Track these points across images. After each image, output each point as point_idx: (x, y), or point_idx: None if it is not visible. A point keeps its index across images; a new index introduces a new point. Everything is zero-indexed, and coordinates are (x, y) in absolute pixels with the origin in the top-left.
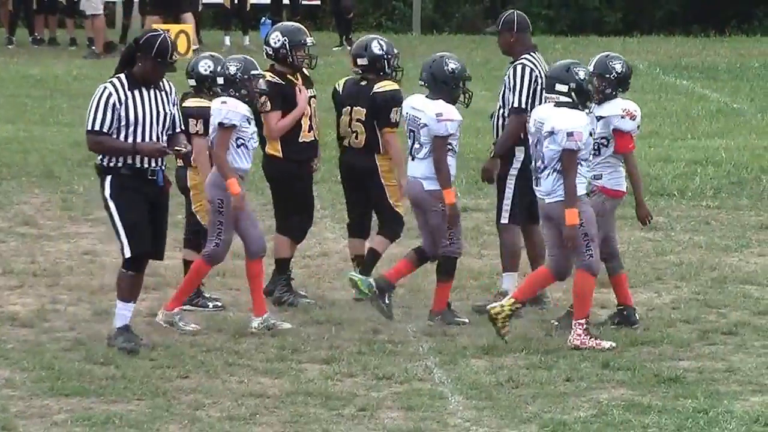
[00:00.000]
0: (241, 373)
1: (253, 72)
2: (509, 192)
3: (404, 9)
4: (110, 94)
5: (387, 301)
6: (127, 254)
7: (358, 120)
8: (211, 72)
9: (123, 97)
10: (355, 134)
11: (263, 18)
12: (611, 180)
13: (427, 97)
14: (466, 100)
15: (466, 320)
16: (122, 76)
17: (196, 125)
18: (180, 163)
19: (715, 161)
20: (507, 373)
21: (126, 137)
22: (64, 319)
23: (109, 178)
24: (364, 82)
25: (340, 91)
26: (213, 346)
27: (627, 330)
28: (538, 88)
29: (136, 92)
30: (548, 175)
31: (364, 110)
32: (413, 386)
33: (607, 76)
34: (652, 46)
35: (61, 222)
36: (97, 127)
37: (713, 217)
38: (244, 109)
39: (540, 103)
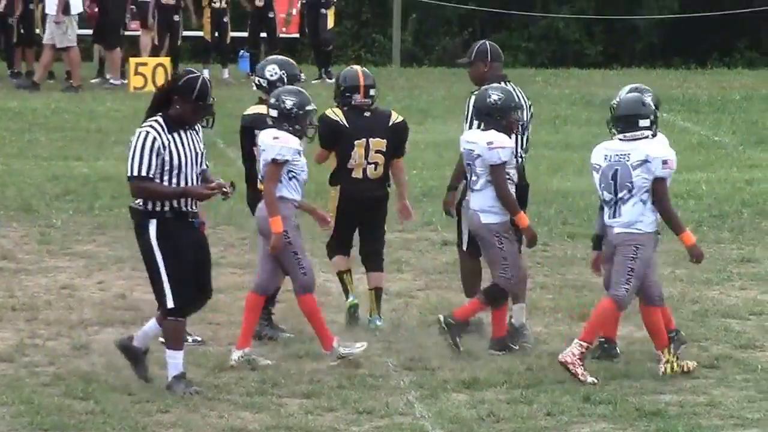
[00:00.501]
0: (221, 407)
1: (307, 107)
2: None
3: (384, 41)
4: (154, 139)
5: (457, 338)
6: (170, 305)
7: (377, 151)
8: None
9: (166, 141)
10: (374, 165)
11: (241, 51)
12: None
13: (480, 129)
14: (516, 129)
15: (518, 347)
16: (160, 119)
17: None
18: None
19: (696, 194)
20: (488, 408)
21: (170, 181)
22: (43, 354)
23: (153, 222)
24: (368, 113)
25: (345, 123)
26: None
27: (608, 363)
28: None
29: (176, 135)
30: (633, 204)
31: (385, 141)
32: (394, 420)
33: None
34: (633, 78)
35: (40, 256)
36: (143, 173)
37: None
38: (296, 143)
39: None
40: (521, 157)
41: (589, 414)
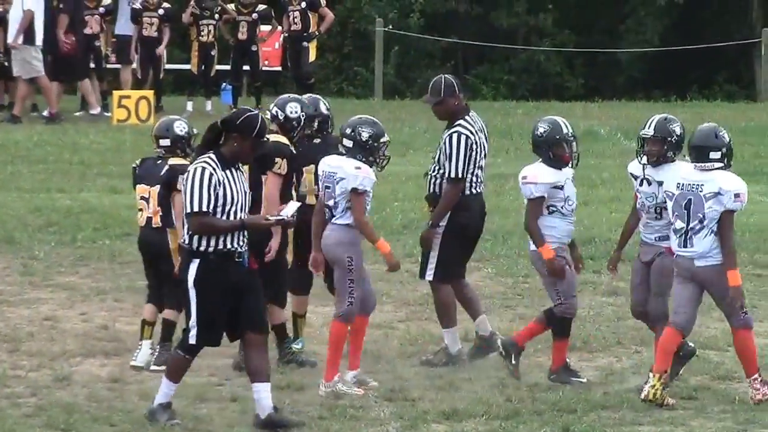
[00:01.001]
0: None
1: (382, 139)
2: (435, 251)
3: (366, 74)
4: (211, 174)
5: (514, 362)
6: (191, 341)
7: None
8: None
9: (221, 177)
10: (314, 191)
11: (224, 83)
12: None
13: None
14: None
15: (584, 379)
16: (213, 155)
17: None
18: (155, 225)
19: None
20: None
21: (226, 217)
22: (25, 385)
23: (196, 262)
24: (317, 140)
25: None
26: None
27: (586, 394)
28: (473, 154)
29: (228, 171)
30: (705, 236)
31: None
32: None
33: (669, 139)
34: (614, 111)
35: (22, 287)
36: (204, 208)
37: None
38: (374, 175)
39: (475, 168)
40: (475, 187)
41: None
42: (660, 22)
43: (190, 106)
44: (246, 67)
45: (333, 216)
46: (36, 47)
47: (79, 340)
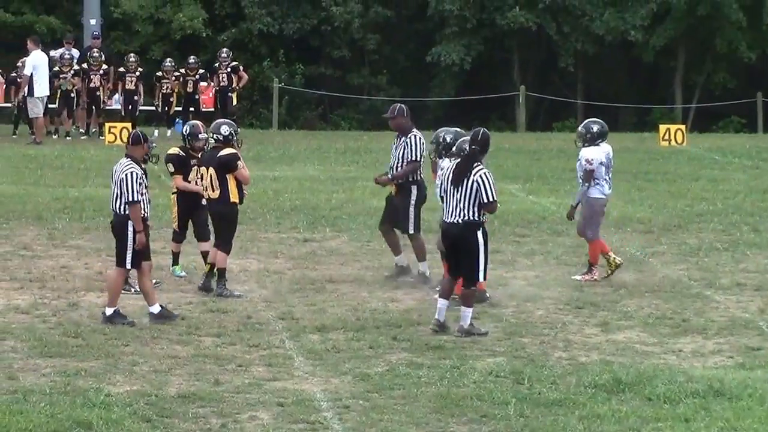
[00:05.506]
0: (162, 343)
1: (459, 141)
2: (412, 214)
3: (267, 114)
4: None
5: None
6: (481, 278)
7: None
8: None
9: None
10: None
11: (177, 119)
12: None
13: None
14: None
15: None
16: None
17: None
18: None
19: None
20: (332, 343)
21: None
22: (48, 309)
23: (480, 228)
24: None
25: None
26: (144, 326)
27: (409, 314)
28: (423, 148)
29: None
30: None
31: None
32: (272, 351)
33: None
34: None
35: (47, 247)
36: (496, 197)
37: None
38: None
39: (422, 159)
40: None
41: (394, 348)
42: (455, 80)
43: (156, 133)
44: (191, 108)
45: None
46: (36, 98)
47: (84, 281)
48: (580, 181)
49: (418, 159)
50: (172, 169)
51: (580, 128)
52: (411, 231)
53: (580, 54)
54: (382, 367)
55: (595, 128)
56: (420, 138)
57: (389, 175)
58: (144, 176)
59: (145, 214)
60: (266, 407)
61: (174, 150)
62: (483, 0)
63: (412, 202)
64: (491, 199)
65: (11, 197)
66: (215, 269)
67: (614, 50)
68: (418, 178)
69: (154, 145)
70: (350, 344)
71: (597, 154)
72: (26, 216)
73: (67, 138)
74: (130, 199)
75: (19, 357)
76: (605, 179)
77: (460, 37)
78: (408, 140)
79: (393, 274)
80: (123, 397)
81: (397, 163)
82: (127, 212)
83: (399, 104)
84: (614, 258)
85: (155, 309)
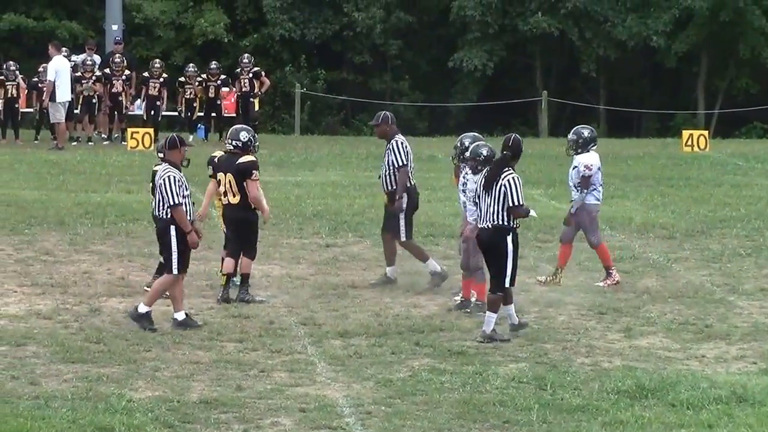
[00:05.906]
0: (184, 348)
1: (478, 143)
2: (402, 222)
3: (289, 119)
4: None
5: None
6: (507, 284)
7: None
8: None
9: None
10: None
11: (199, 124)
12: None
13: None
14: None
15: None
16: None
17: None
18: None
19: None
20: (355, 349)
21: None
22: (71, 314)
23: (511, 234)
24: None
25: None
26: (166, 332)
27: (431, 320)
28: (409, 152)
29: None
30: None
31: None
32: (294, 357)
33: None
34: (448, 143)
35: (69, 253)
36: (521, 201)
37: None
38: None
39: (411, 163)
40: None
41: (417, 353)
42: (477, 86)
43: (191, 138)
44: (213, 114)
45: None
46: (57, 103)
47: (106, 286)
48: (575, 188)
49: (405, 163)
50: (210, 171)
51: (570, 135)
52: (403, 238)
53: (603, 60)
54: (404, 373)
55: (586, 133)
56: (402, 142)
57: (383, 186)
58: (184, 179)
59: (190, 217)
60: (288, 413)
61: (217, 153)
62: (505, 5)
63: (403, 209)
64: (517, 203)
65: (33, 203)
66: (233, 278)
67: (636, 56)
68: (410, 184)
69: (186, 148)
70: (372, 350)
71: (594, 159)
72: (48, 221)
73: (89, 143)
74: (172, 202)
75: (41, 362)
76: (601, 184)
77: (482, 43)
78: (390, 146)
79: (378, 282)
80: (145, 403)
81: (386, 170)
82: (169, 216)
83: (384, 112)
84: (561, 277)
85: (180, 316)
